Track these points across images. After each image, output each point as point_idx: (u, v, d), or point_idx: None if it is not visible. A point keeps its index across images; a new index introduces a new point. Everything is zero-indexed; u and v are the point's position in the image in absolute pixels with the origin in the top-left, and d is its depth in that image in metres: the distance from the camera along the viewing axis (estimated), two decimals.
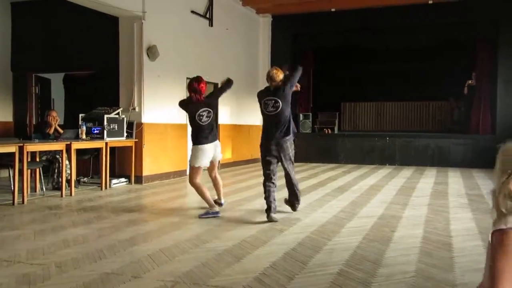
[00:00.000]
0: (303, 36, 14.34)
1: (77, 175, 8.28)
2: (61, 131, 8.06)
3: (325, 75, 16.23)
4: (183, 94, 9.93)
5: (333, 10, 13.02)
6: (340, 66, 16.70)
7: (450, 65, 15.34)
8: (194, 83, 5.73)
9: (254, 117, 13.54)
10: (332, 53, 16.08)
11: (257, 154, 13.27)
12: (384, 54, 15.95)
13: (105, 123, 7.91)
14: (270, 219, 5.36)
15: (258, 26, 14.03)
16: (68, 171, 7.47)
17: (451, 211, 6.11)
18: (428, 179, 9.73)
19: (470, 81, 13.54)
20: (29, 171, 7.18)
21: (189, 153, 5.87)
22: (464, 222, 5.45)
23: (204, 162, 5.73)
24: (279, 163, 5.59)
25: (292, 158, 5.63)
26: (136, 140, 8.61)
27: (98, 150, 8.11)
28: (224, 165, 11.09)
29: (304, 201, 6.70)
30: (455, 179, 9.68)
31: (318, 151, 13.39)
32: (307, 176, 9.95)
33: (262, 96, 5.69)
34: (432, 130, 15.50)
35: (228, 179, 8.01)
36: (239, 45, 12.77)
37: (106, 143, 7.96)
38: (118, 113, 8.37)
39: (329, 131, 14.81)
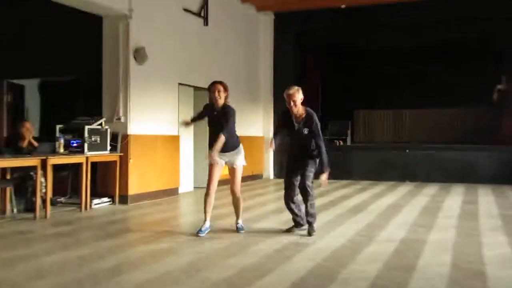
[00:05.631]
0: (310, 36, 14.40)
1: (54, 194, 8.21)
2: (36, 144, 8.03)
3: (335, 79, 16.28)
4: (175, 102, 9.95)
5: (343, 6, 13.05)
6: (353, 69, 16.76)
7: (477, 67, 15.38)
8: None
9: (256, 128, 13.53)
10: (343, 55, 16.16)
11: (258, 170, 13.30)
12: (402, 55, 16.00)
13: (86, 135, 7.87)
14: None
15: (259, 26, 14.08)
16: (44, 190, 7.41)
17: (483, 235, 6.07)
18: (455, 197, 9.69)
19: (500, 86, 13.55)
20: None
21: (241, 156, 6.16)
22: (499, 247, 5.40)
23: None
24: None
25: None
26: (121, 154, 8.58)
27: (77, 166, 8.06)
28: (222, 182, 11.02)
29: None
30: (486, 198, 9.63)
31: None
32: (316, 195, 9.88)
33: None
34: (459, 141, 15.47)
35: (226, 198, 7.96)
36: (237, 46, 12.81)
37: (87, 158, 7.92)
38: (100, 124, 8.34)
39: (341, 143, 14.79)
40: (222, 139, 5.82)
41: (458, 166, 12.55)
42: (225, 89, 6.04)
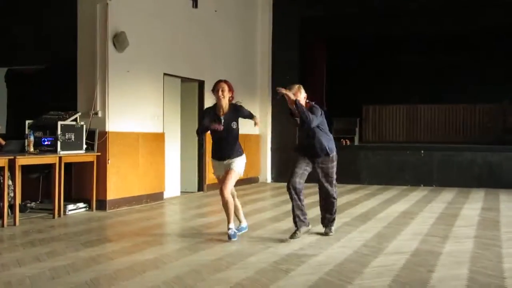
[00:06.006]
0: (315, 21, 14.39)
1: (23, 199, 8.27)
2: (2, 142, 8.06)
3: (342, 70, 16.29)
4: (160, 94, 9.98)
5: None
6: (362, 59, 16.75)
7: (503, 58, 15.40)
8: None
9: (251, 125, 13.56)
10: (352, 43, 16.14)
11: (253, 173, 13.32)
12: (418, 43, 16.00)
13: (59, 132, 7.90)
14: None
15: (256, 8, 14.11)
16: (11, 194, 7.45)
17: (504, 245, 6.12)
18: (474, 204, 9.76)
19: None
20: None
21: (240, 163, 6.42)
22: None
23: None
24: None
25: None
26: (99, 154, 8.62)
27: (49, 167, 8.10)
28: (212, 186, 11.09)
29: (315, 233, 6.76)
30: (508, 204, 9.71)
31: None
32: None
33: None
34: (479, 141, 15.55)
35: (216, 205, 8.00)
36: (231, 32, 12.83)
37: (60, 158, 7.96)
38: (75, 119, 8.38)
39: (348, 142, 14.83)
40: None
41: (479, 169, 12.63)
42: (230, 89, 6.30)
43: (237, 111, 6.31)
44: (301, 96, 6.15)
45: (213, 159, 6.45)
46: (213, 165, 6.50)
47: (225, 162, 6.29)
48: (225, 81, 6.34)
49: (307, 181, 6.45)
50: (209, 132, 6.37)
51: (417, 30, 14.89)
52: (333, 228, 6.68)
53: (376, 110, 17.91)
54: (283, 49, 14.01)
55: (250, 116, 6.45)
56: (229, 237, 6.26)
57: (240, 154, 6.34)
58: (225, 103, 6.25)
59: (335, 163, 6.54)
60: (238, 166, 6.28)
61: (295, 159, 6.50)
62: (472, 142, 15.33)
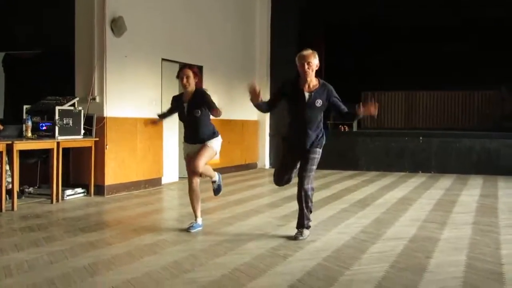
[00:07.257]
0: (314, 10, 14.33)
1: (21, 184, 8.26)
2: (0, 127, 8.04)
3: (341, 57, 16.26)
4: (158, 79, 9.95)
5: None
6: (361, 46, 16.72)
7: (501, 45, 15.41)
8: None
9: (249, 111, 13.55)
10: (351, 31, 16.11)
11: (251, 159, 13.35)
12: (417, 31, 15.99)
13: (57, 117, 7.89)
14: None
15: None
16: (9, 179, 7.45)
17: (502, 232, 6.15)
18: (472, 190, 9.81)
19: None
20: None
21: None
22: None
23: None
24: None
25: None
26: (97, 139, 8.61)
27: (47, 152, 8.09)
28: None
29: (314, 218, 6.72)
30: (506, 191, 9.76)
31: (331, 154, 13.31)
32: (317, 187, 9.94)
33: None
34: (478, 128, 15.58)
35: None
36: (230, 19, 12.77)
37: (58, 143, 7.94)
38: (73, 104, 8.35)
39: (346, 129, 14.84)
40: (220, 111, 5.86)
41: (477, 156, 12.67)
42: (196, 74, 5.96)
43: (201, 98, 5.91)
44: (315, 62, 5.62)
45: (185, 142, 6.11)
46: (184, 148, 6.17)
47: (197, 145, 5.98)
48: (190, 67, 6.01)
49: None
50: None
51: (417, 19, 14.88)
52: (305, 231, 5.79)
53: (375, 96, 17.88)
54: (281, 35, 13.95)
55: (210, 106, 5.89)
56: (217, 190, 6.32)
57: (214, 137, 6.01)
58: (190, 90, 5.94)
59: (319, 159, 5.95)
60: (213, 143, 5.98)
61: (281, 162, 6.08)
62: (470, 129, 15.38)
